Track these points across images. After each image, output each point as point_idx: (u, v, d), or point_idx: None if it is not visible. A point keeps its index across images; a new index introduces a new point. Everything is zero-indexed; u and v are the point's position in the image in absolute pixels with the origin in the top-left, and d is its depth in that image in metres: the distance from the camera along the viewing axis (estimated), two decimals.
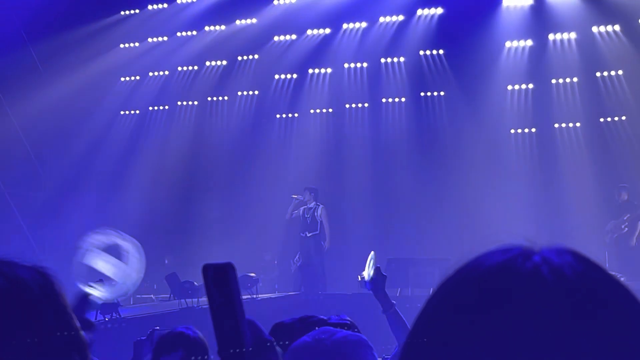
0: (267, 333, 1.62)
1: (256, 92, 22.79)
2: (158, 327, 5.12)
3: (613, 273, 1.17)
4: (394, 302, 5.56)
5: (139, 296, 19.73)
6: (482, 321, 1.10)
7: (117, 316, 13.90)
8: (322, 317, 3.02)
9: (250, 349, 1.56)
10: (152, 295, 19.64)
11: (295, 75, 22.46)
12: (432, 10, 21.57)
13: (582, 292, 1.11)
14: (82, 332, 1.74)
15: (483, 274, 1.14)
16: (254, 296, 15.78)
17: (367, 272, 5.51)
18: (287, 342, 2.68)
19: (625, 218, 17.98)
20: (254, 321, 1.59)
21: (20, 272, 1.72)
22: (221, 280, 1.54)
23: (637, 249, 17.90)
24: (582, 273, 1.13)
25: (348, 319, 3.63)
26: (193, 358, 4.90)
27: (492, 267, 1.15)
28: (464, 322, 1.11)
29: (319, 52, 22.19)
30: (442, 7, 21.45)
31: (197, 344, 4.51)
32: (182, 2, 22.48)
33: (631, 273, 17.11)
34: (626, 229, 17.91)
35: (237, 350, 1.54)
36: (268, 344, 1.60)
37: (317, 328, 2.67)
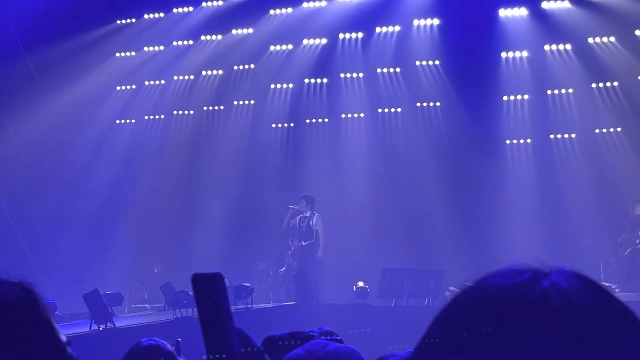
0: (256, 342, 1.61)
1: (252, 102, 22.79)
2: (152, 338, 5.08)
3: (620, 298, 1.18)
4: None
5: (134, 306, 19.71)
6: (491, 343, 1.11)
7: (112, 326, 13.85)
8: (311, 333, 3.01)
9: (239, 357, 1.56)
10: (146, 305, 19.61)
11: (291, 85, 22.48)
12: (429, 21, 21.60)
13: (588, 320, 1.12)
14: (69, 348, 1.72)
15: (494, 297, 1.16)
16: (249, 306, 15.74)
17: None
18: (277, 356, 2.67)
19: (639, 233, 17.84)
20: (243, 330, 1.58)
21: (2, 289, 1.69)
22: (210, 289, 1.53)
23: None
24: (590, 300, 1.14)
25: (329, 330, 3.61)
26: None
27: (503, 289, 1.16)
28: (472, 343, 1.13)
29: (315, 62, 22.20)
30: (439, 18, 21.48)
31: (172, 355, 4.51)
32: (178, 12, 22.50)
33: None
34: None
35: (227, 357, 1.53)
36: (257, 353, 1.60)
37: (307, 342, 2.65)
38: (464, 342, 1.13)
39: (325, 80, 22.39)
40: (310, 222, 18.15)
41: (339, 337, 2.75)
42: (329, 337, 2.70)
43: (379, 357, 3.45)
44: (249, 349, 1.65)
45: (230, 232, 21.20)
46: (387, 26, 21.86)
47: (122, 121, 22.96)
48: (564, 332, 1.10)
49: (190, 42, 22.65)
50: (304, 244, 18.22)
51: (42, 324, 1.68)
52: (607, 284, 16.72)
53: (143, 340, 4.61)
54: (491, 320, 1.13)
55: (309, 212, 18.27)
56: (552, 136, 21.42)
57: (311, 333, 2.99)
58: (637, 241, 17.83)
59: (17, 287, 1.71)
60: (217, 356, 1.54)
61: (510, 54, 21.31)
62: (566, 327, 1.11)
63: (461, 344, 1.13)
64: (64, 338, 1.72)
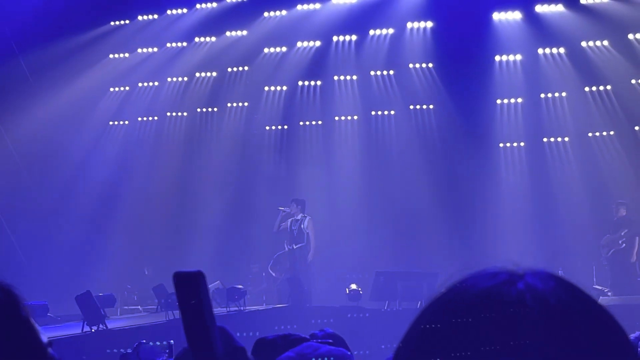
0: (238, 340, 1.62)
1: (246, 104, 22.79)
2: (144, 341, 5.08)
3: (595, 298, 1.18)
4: None
5: (126, 307, 19.68)
6: (467, 347, 1.12)
7: (104, 328, 13.83)
8: (303, 335, 3.01)
9: (222, 355, 1.56)
10: (139, 307, 19.58)
11: (285, 88, 22.48)
12: (423, 24, 21.61)
13: (563, 321, 1.13)
14: (49, 349, 1.71)
15: (470, 300, 1.16)
16: (242, 308, 15.72)
17: None
18: (269, 358, 2.67)
19: (622, 233, 17.98)
20: (226, 328, 1.59)
21: None
22: (191, 287, 1.54)
23: (633, 265, 17.92)
24: (565, 301, 1.15)
25: (332, 332, 3.62)
26: None
27: (478, 293, 1.16)
28: (449, 347, 1.13)
29: (309, 65, 22.21)
30: (433, 21, 21.50)
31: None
32: (172, 14, 22.48)
33: (629, 288, 17.15)
34: (624, 244, 17.93)
35: (209, 355, 1.54)
36: (240, 350, 1.60)
37: (298, 345, 2.66)
38: (440, 347, 1.13)
39: (318, 82, 22.40)
40: (302, 226, 18.15)
41: (332, 340, 2.75)
42: (321, 340, 2.70)
43: None
44: (232, 348, 1.65)
45: (224, 233, 21.19)
46: (381, 29, 21.87)
47: (116, 122, 22.93)
48: (540, 334, 1.11)
49: (184, 43, 22.64)
50: (295, 247, 18.22)
51: (21, 324, 1.67)
52: (600, 287, 16.86)
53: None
54: (467, 324, 1.13)
55: (300, 215, 18.26)
56: (545, 139, 21.45)
57: (304, 336, 3.00)
58: (619, 242, 17.97)
59: None
60: (200, 354, 1.55)
61: (504, 57, 21.33)
62: (542, 329, 1.11)
63: (438, 349, 1.13)
64: (44, 339, 1.72)
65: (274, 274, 19.16)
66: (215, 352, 1.54)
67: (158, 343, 4.73)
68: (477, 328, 1.12)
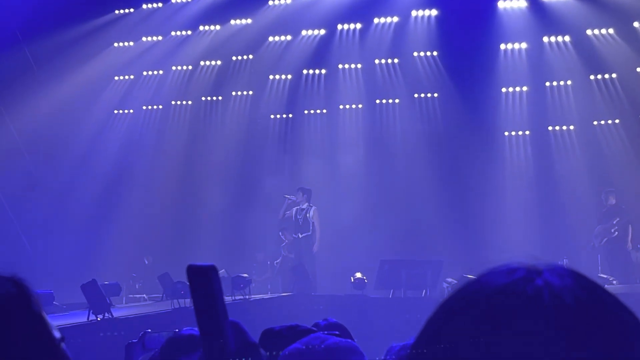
0: (251, 335, 1.62)
1: (251, 93, 22.78)
2: (150, 330, 5.10)
3: (614, 295, 1.18)
4: None
5: (131, 296, 19.73)
6: (484, 343, 1.12)
7: (110, 316, 13.86)
8: (310, 327, 3.01)
9: (235, 349, 1.56)
10: (144, 295, 19.62)
11: (290, 76, 22.46)
12: (427, 12, 21.57)
13: (581, 319, 1.12)
14: (62, 344, 1.71)
15: (487, 297, 1.16)
16: (247, 297, 15.74)
17: None
18: (276, 349, 2.68)
19: (614, 222, 17.99)
20: (238, 322, 1.59)
21: None
22: (204, 281, 1.54)
23: (627, 253, 17.93)
24: (583, 299, 1.14)
25: (335, 321, 3.62)
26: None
27: (496, 289, 1.16)
28: (466, 344, 1.13)
29: (314, 53, 22.19)
30: (437, 9, 21.46)
31: None
32: (177, 2, 22.46)
33: (622, 276, 17.17)
34: (616, 232, 17.94)
35: (221, 350, 1.54)
36: (252, 346, 1.60)
37: (305, 336, 2.66)
38: (457, 344, 1.13)
39: (323, 71, 22.39)
40: (307, 215, 18.14)
41: (339, 332, 2.76)
42: (327, 332, 2.70)
43: (388, 348, 3.46)
44: (245, 343, 1.65)
45: (228, 222, 21.22)
46: (385, 17, 21.83)
47: (120, 111, 22.94)
48: (557, 332, 1.10)
49: (189, 32, 22.62)
50: (300, 236, 18.22)
51: (34, 319, 1.67)
52: (604, 276, 16.86)
53: (185, 329, 4.61)
54: (484, 321, 1.13)
55: (306, 204, 18.25)
56: (550, 128, 21.43)
57: (310, 327, 3.00)
58: (612, 230, 17.97)
59: (8, 282, 1.69)
60: (212, 350, 1.55)
61: (509, 46, 21.29)
62: (559, 327, 1.11)
63: (454, 346, 1.14)
64: (57, 334, 1.71)
65: (277, 262, 19.16)
66: (227, 346, 1.54)
67: (164, 333, 4.74)
68: (494, 325, 1.12)
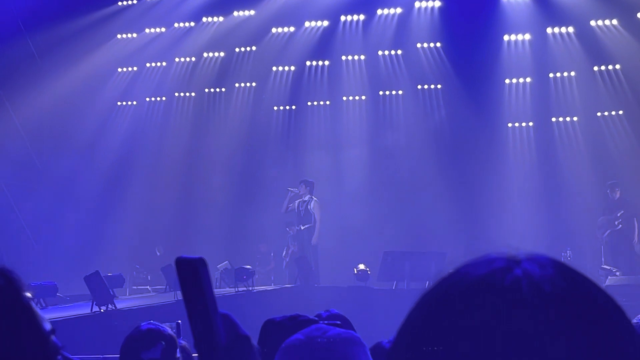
0: (243, 328, 1.61)
1: (254, 84, 22.77)
2: (151, 321, 5.10)
3: (597, 284, 1.15)
4: None
5: (135, 287, 19.76)
6: (461, 337, 1.10)
7: (113, 308, 13.89)
8: (311, 317, 3.01)
9: (225, 342, 1.56)
10: (148, 287, 19.65)
11: (293, 68, 22.44)
12: (431, 3, 21.53)
13: (558, 309, 1.10)
14: (52, 336, 1.70)
15: (466, 288, 1.14)
16: (250, 288, 15.77)
17: None
18: (277, 340, 2.67)
19: (619, 214, 17.94)
20: (230, 315, 1.58)
21: None
22: (192, 275, 1.53)
23: (631, 245, 17.89)
24: (562, 289, 1.12)
25: (337, 312, 3.62)
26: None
27: (474, 280, 1.14)
28: (444, 337, 1.11)
29: (317, 45, 22.16)
30: (441, 0, 21.41)
31: (172, 338, 4.53)
32: None
33: (626, 268, 17.15)
34: (620, 225, 17.89)
35: (211, 343, 1.54)
36: (244, 338, 1.59)
37: (307, 326, 2.66)
38: (435, 337, 1.12)
39: (326, 62, 22.36)
40: (309, 207, 18.15)
41: (340, 322, 2.75)
42: (328, 322, 2.70)
43: (373, 345, 3.47)
44: (236, 336, 1.64)
45: (232, 214, 21.23)
46: (389, 8, 21.80)
47: (124, 103, 22.94)
48: (535, 323, 1.08)
49: (192, 23, 22.60)
50: (302, 227, 18.24)
51: (23, 311, 1.66)
52: (607, 267, 16.85)
53: (142, 324, 4.61)
54: (461, 313, 1.11)
55: (308, 196, 18.25)
56: (553, 119, 21.41)
57: (312, 317, 3.00)
58: (616, 223, 17.92)
59: None
60: (202, 343, 1.55)
61: (513, 37, 21.25)
62: (537, 317, 1.08)
63: (433, 339, 1.12)
64: (47, 326, 1.70)
65: (286, 259, 19.13)
66: (217, 340, 1.54)
67: (167, 325, 4.74)
68: (471, 317, 1.10)
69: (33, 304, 1.69)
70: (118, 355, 4.50)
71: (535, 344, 1.08)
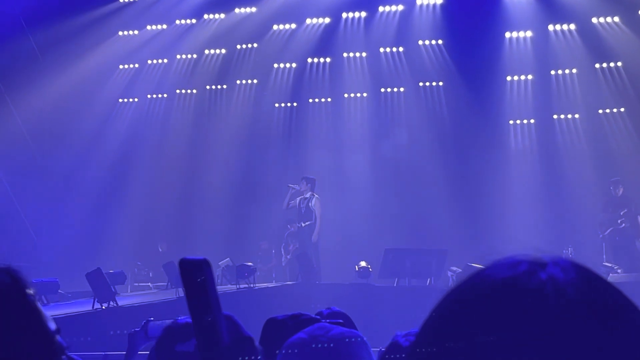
0: (245, 330, 1.60)
1: (255, 81, 22.76)
2: (152, 318, 5.10)
3: (618, 288, 1.16)
4: None
5: (137, 284, 19.76)
6: (484, 338, 1.10)
7: (115, 305, 13.89)
8: (313, 315, 3.01)
9: (229, 343, 1.56)
10: (149, 284, 19.65)
11: (294, 65, 22.43)
12: (432, 0, 21.52)
13: (581, 314, 1.11)
14: (57, 336, 1.70)
15: (489, 290, 1.14)
16: (252, 285, 15.76)
17: None
18: (279, 339, 2.67)
19: (622, 213, 17.88)
20: (233, 317, 1.57)
21: None
22: (197, 275, 1.53)
23: (633, 243, 17.85)
24: (586, 293, 1.13)
25: (339, 310, 3.62)
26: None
27: (498, 282, 1.14)
28: (466, 338, 1.12)
29: (319, 42, 22.15)
30: None
31: None
32: None
33: (628, 266, 17.13)
34: (623, 224, 17.84)
35: (215, 344, 1.53)
36: (247, 340, 1.59)
37: (309, 325, 2.66)
38: (457, 338, 1.12)
39: (328, 59, 22.35)
40: (310, 204, 18.13)
41: (342, 320, 2.75)
42: (330, 321, 2.70)
43: (390, 343, 3.46)
44: (239, 337, 1.64)
45: (233, 211, 21.23)
46: (390, 5, 21.78)
47: (125, 100, 22.94)
48: (560, 327, 1.09)
49: (193, 20, 22.60)
50: (303, 225, 18.23)
51: (28, 310, 1.65)
52: (609, 265, 16.83)
53: (180, 317, 4.60)
54: (484, 315, 1.12)
55: (309, 193, 18.24)
56: (555, 116, 21.40)
57: (314, 316, 3.00)
58: (619, 221, 17.85)
59: (2, 273, 1.68)
60: (206, 344, 1.54)
61: (514, 34, 21.23)
62: (562, 321, 1.09)
63: (455, 340, 1.12)
64: (53, 326, 1.70)
65: (287, 256, 19.12)
66: (221, 341, 1.53)
67: (168, 321, 4.72)
68: (495, 318, 1.11)
69: (38, 304, 1.69)
70: (120, 353, 4.49)
71: (560, 347, 1.08)
